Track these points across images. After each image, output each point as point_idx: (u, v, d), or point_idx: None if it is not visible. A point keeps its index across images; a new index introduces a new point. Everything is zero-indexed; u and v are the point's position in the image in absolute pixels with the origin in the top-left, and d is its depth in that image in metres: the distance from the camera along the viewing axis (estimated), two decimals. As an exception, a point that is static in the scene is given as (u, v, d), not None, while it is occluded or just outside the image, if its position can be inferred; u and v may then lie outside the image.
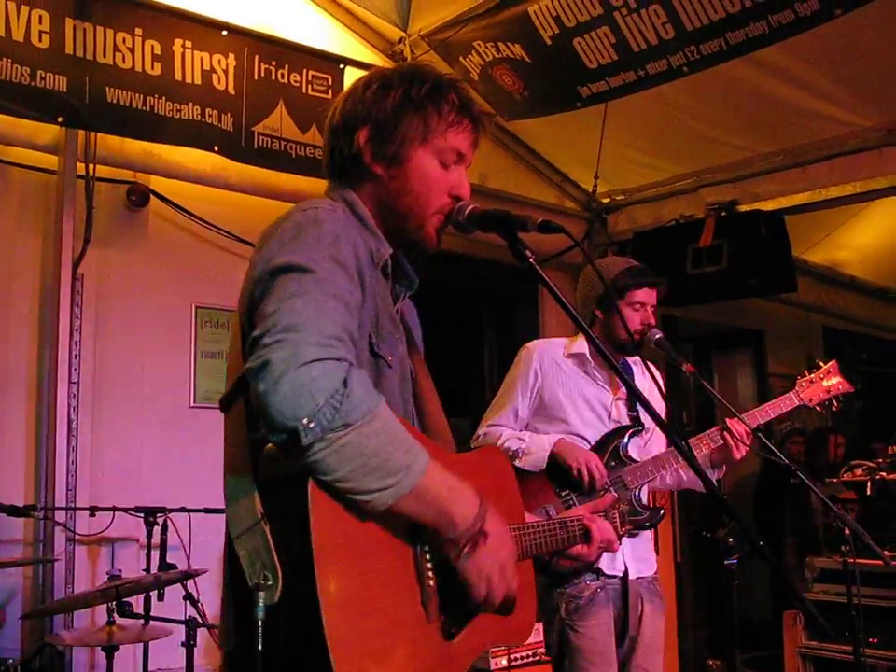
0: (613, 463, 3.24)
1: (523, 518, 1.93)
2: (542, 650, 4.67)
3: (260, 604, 1.37)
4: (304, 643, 1.35)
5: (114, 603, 3.08)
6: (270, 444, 1.41)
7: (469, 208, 1.72)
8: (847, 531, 2.99)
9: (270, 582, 1.37)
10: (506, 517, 1.76)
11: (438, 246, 1.78)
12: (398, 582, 1.48)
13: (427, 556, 1.54)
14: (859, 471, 4.51)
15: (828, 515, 5.36)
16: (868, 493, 4.45)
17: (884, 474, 4.41)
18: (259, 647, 1.37)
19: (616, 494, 2.23)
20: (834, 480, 4.72)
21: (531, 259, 1.63)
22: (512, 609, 1.68)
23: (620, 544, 2.24)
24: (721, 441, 3.22)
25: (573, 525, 2.01)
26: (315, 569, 1.33)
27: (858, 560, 3.25)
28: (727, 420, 3.20)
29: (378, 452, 1.38)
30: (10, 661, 3.13)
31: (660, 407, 3.45)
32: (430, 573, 1.53)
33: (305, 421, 1.31)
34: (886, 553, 3.41)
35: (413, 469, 1.42)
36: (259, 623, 1.37)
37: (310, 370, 1.33)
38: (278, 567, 1.37)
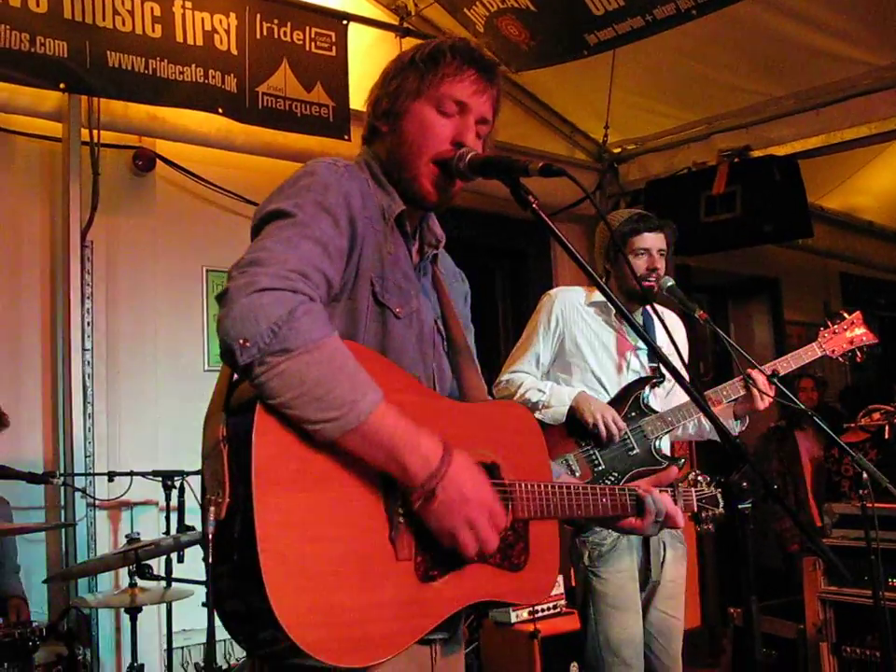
0: (634, 414, 3.24)
1: (548, 473, 1.89)
2: (563, 601, 4.72)
3: (210, 518, 1.40)
4: (243, 558, 1.37)
5: (134, 566, 3.10)
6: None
7: (470, 155, 1.70)
8: (865, 476, 2.96)
9: (220, 499, 1.40)
10: (526, 472, 1.75)
11: (439, 201, 1.77)
12: (360, 514, 1.47)
13: (399, 495, 1.51)
14: (876, 415, 4.48)
15: (828, 461, 5.36)
16: (886, 437, 4.42)
17: (902, 418, 4.38)
18: (210, 560, 1.43)
19: (679, 468, 2.14)
20: (852, 424, 4.69)
21: (534, 205, 1.60)
22: (508, 563, 1.68)
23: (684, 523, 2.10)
24: (743, 392, 3.21)
25: (623, 494, 1.93)
26: (252, 487, 1.36)
27: (876, 504, 3.23)
28: (749, 371, 3.19)
29: (320, 382, 1.39)
30: (36, 623, 3.17)
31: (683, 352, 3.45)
32: (401, 510, 1.51)
33: (242, 341, 1.37)
34: (905, 496, 3.40)
35: (358, 406, 1.41)
36: (210, 536, 1.41)
37: (261, 296, 1.39)
38: (227, 484, 1.40)
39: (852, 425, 4.71)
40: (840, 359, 3.37)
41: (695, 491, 2.15)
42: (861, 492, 3.07)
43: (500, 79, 1.81)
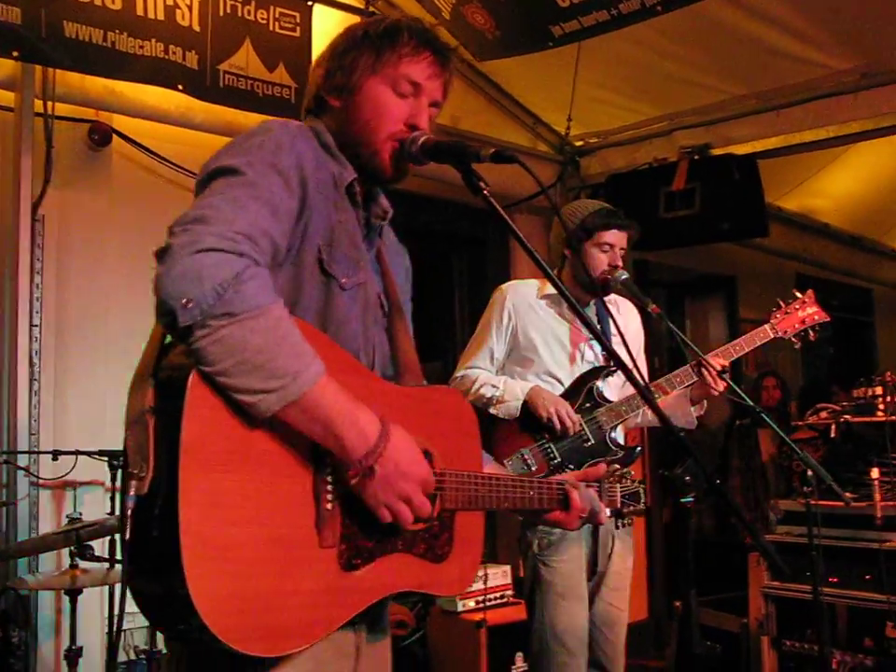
0: (588, 404, 3.26)
1: (478, 463, 1.87)
2: (511, 591, 4.74)
3: (131, 493, 1.36)
4: (162, 538, 1.32)
5: (75, 546, 3.05)
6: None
7: (423, 138, 1.70)
8: (809, 473, 3.00)
9: (143, 473, 1.35)
10: (456, 461, 1.74)
11: (395, 176, 1.76)
12: (288, 498, 1.43)
13: (329, 478, 1.49)
14: (824, 414, 4.55)
15: (783, 458, 5.45)
16: (832, 435, 4.49)
17: (848, 417, 4.44)
18: (127, 536, 1.37)
19: (608, 465, 2.16)
20: (800, 423, 4.75)
21: (485, 191, 1.59)
22: (432, 553, 1.67)
23: (610, 517, 2.16)
24: (692, 380, 3.23)
25: (550, 488, 1.93)
26: (179, 464, 1.31)
27: (820, 502, 3.28)
28: (701, 358, 3.21)
29: (263, 350, 1.35)
30: (-27, 604, 3.12)
31: (637, 346, 3.47)
32: (329, 496, 1.49)
33: (184, 301, 1.31)
34: (848, 494, 3.45)
35: (301, 378, 1.38)
36: (129, 512, 1.36)
37: (205, 257, 1.34)
38: (151, 458, 1.35)
39: (801, 423, 4.77)
40: (793, 339, 3.38)
41: (620, 487, 2.16)
42: (805, 489, 3.11)
43: (454, 64, 1.80)
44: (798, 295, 3.40)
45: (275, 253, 1.50)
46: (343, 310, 1.66)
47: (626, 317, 3.52)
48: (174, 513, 1.30)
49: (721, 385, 3.19)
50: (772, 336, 3.35)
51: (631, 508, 2.19)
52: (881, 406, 4.32)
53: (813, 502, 3.14)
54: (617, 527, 3.12)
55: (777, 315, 3.37)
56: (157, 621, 1.49)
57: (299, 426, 1.41)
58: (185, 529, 1.30)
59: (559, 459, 3.19)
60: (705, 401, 3.36)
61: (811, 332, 3.38)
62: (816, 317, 3.37)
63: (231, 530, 1.36)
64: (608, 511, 2.10)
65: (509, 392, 3.25)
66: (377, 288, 1.81)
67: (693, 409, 3.35)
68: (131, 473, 1.37)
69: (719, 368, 3.16)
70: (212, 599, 1.32)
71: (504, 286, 3.49)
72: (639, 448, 3.38)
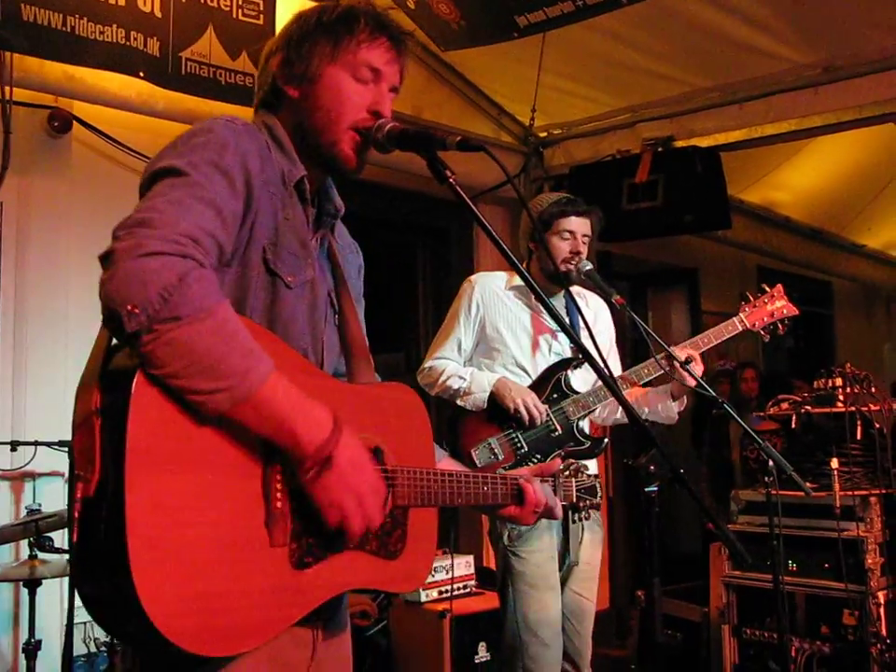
0: (555, 395, 3.27)
1: (431, 460, 1.87)
2: (473, 581, 4.75)
3: (77, 496, 1.34)
4: (109, 541, 1.30)
5: (34, 537, 3.01)
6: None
7: (389, 125, 1.68)
8: (770, 463, 3.03)
9: (90, 476, 1.33)
10: (409, 458, 1.73)
11: (357, 167, 1.74)
12: (237, 498, 1.42)
13: (279, 477, 1.47)
14: (785, 405, 4.60)
15: (746, 448, 5.52)
16: (793, 426, 4.55)
17: (809, 408, 4.50)
18: (74, 538, 1.36)
19: (563, 460, 2.16)
20: (761, 413, 4.81)
21: (451, 179, 1.59)
22: (385, 550, 1.66)
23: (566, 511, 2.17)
24: (658, 372, 3.25)
25: (504, 483, 1.93)
26: (125, 466, 1.29)
27: (781, 492, 3.32)
28: (673, 348, 3.23)
29: (211, 351, 1.34)
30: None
31: (608, 339, 3.49)
32: (279, 494, 1.47)
33: (129, 307, 1.29)
34: (808, 484, 3.49)
35: (250, 376, 1.37)
36: (76, 515, 1.34)
37: (149, 260, 1.32)
38: (98, 460, 1.33)
39: (762, 414, 4.82)
40: (762, 332, 3.41)
41: (575, 481, 2.17)
42: (766, 479, 3.15)
43: (409, 48, 1.78)
44: (767, 289, 3.44)
45: (220, 254, 1.48)
46: (290, 308, 1.65)
47: (596, 311, 3.54)
48: (120, 515, 1.28)
49: (691, 379, 3.20)
50: (740, 329, 3.38)
51: (588, 502, 2.20)
52: (840, 397, 4.38)
53: (774, 492, 3.17)
54: (573, 521, 3.13)
55: (746, 309, 3.40)
56: (106, 625, 1.46)
57: (251, 424, 1.40)
58: (131, 531, 1.28)
59: (526, 449, 3.20)
60: (685, 397, 3.39)
61: (780, 326, 3.42)
62: (784, 311, 3.42)
63: (179, 531, 1.34)
64: (561, 505, 2.11)
65: (476, 384, 3.26)
66: (327, 286, 1.80)
67: (674, 404, 3.38)
68: (77, 476, 1.35)
69: (683, 359, 3.18)
70: (160, 601, 1.29)
71: (472, 277, 3.50)
72: (606, 439, 3.40)
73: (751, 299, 3.43)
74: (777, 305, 3.41)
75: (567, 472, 2.16)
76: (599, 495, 2.23)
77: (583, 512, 2.22)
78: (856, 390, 4.32)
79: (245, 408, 1.38)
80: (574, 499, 2.18)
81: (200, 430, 1.38)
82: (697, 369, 3.20)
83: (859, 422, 4.27)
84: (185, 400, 1.35)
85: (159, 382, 1.33)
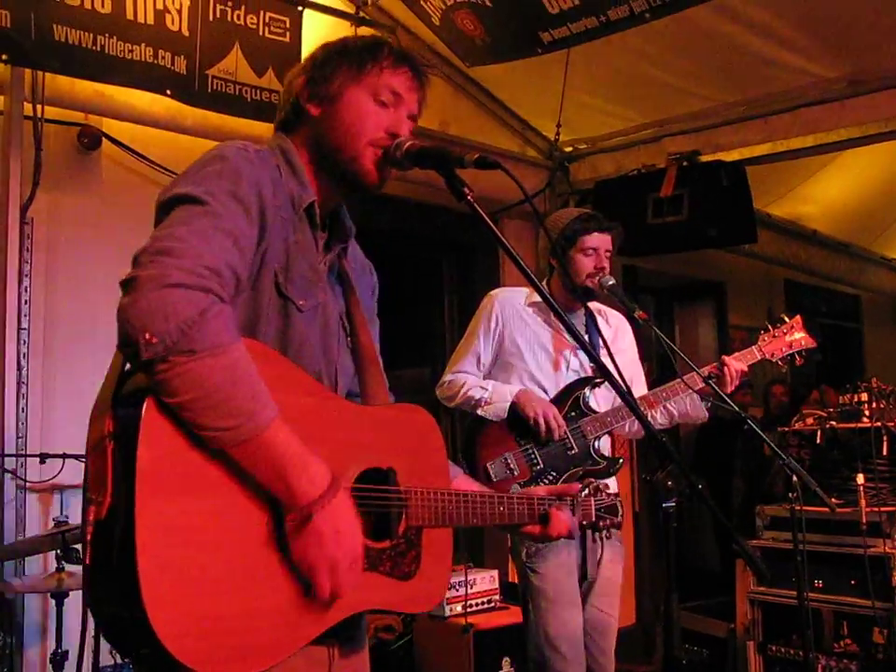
0: (573, 413, 3.27)
1: (446, 480, 1.87)
2: (498, 596, 4.74)
3: (90, 518, 1.36)
4: (120, 563, 1.31)
5: (61, 549, 3.05)
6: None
7: (407, 144, 1.71)
8: (794, 479, 3.02)
9: (101, 499, 1.35)
10: (423, 478, 1.74)
11: (379, 183, 1.76)
12: (248, 520, 1.43)
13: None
14: (810, 420, 4.57)
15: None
16: (818, 441, 4.51)
17: (834, 423, 4.46)
18: (87, 561, 1.38)
19: (580, 484, 2.16)
20: (786, 428, 4.77)
21: (469, 196, 1.60)
22: (399, 571, 1.66)
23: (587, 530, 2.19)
24: (681, 394, 3.26)
25: (522, 502, 1.93)
26: (135, 489, 1.31)
27: (805, 507, 3.30)
28: (725, 358, 3.32)
29: (221, 388, 1.36)
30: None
31: (631, 357, 3.49)
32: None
33: (148, 335, 1.32)
34: (833, 500, 3.47)
35: (256, 419, 1.39)
36: (88, 537, 1.36)
37: (172, 292, 1.35)
38: (110, 483, 1.35)
39: (787, 429, 4.79)
40: (779, 363, 3.44)
41: (595, 500, 2.17)
42: (790, 495, 3.13)
43: (428, 85, 1.82)
44: (786, 319, 3.46)
45: (237, 285, 1.50)
46: (302, 332, 1.66)
47: (616, 328, 3.54)
48: (130, 538, 1.30)
49: (732, 387, 3.28)
50: (759, 358, 3.43)
51: (608, 521, 2.20)
52: (867, 412, 4.34)
53: (798, 508, 3.16)
54: (594, 541, 3.15)
55: (766, 338, 3.44)
56: (118, 645, 1.48)
57: (248, 465, 1.42)
58: (141, 553, 1.30)
59: (541, 465, 3.20)
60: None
61: (797, 357, 3.46)
62: (803, 342, 3.46)
63: (189, 553, 1.35)
64: (579, 525, 2.11)
65: (497, 394, 3.27)
66: (339, 308, 1.81)
67: (702, 403, 3.38)
68: (90, 499, 1.38)
69: (705, 374, 3.18)
70: (171, 622, 1.31)
71: (493, 292, 3.52)
72: (621, 459, 3.40)
73: (770, 328, 3.45)
74: (796, 337, 3.45)
75: (586, 491, 2.15)
76: (621, 513, 2.23)
77: (604, 532, 2.21)
78: (882, 405, 4.29)
79: (246, 449, 1.40)
80: (593, 518, 2.18)
81: (210, 456, 1.40)
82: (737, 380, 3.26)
83: (885, 437, 4.23)
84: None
85: (168, 408, 1.36)
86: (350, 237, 1.88)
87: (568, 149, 6.10)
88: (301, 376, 1.60)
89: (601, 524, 2.17)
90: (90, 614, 3.42)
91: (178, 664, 1.31)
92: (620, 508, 2.19)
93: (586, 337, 3.24)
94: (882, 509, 4.15)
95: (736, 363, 3.29)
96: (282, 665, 1.46)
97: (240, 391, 1.38)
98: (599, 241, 3.32)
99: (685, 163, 5.34)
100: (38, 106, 3.99)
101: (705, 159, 5.35)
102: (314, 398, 1.58)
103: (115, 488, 1.35)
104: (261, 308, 1.60)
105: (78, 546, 3.17)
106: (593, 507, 2.17)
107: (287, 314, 1.64)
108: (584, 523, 2.13)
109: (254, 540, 1.44)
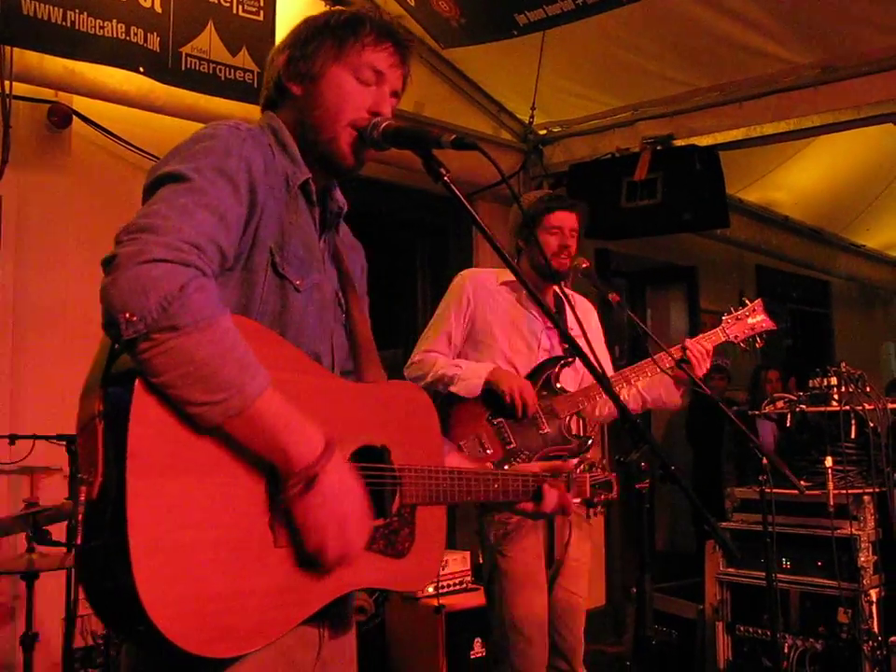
0: (545, 393, 3.29)
1: (440, 458, 1.86)
2: (469, 577, 4.77)
3: (81, 498, 1.35)
4: (112, 542, 1.31)
5: (30, 531, 3.03)
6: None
7: (384, 124, 1.69)
8: (764, 461, 3.06)
9: (92, 478, 1.34)
10: (416, 456, 1.74)
11: (355, 165, 1.75)
12: (240, 499, 1.42)
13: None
14: (780, 403, 4.62)
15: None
16: (788, 425, 4.57)
17: (804, 407, 4.52)
18: (78, 540, 1.37)
19: (575, 461, 2.17)
20: (757, 412, 4.83)
21: (445, 177, 1.60)
22: (392, 549, 1.66)
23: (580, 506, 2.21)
24: (651, 375, 3.29)
25: (516, 479, 1.94)
26: (126, 469, 1.30)
27: (775, 490, 3.34)
28: (687, 340, 3.35)
29: (207, 362, 1.34)
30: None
31: (597, 341, 3.51)
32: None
33: (128, 314, 1.30)
34: (802, 482, 3.52)
35: (245, 390, 1.37)
36: (80, 516, 1.36)
37: (151, 268, 1.32)
38: (100, 463, 1.34)
39: (757, 413, 4.84)
40: (742, 345, 3.51)
41: (590, 476, 2.18)
42: (759, 477, 3.17)
43: (412, 59, 1.80)
44: (747, 302, 3.53)
45: (222, 261, 1.48)
46: (300, 311, 1.65)
47: (584, 314, 3.55)
48: (122, 518, 1.29)
49: (704, 369, 3.32)
50: (723, 339, 3.49)
51: (602, 497, 2.22)
52: (836, 396, 4.40)
53: (768, 490, 3.20)
54: (588, 516, 3.16)
55: (729, 320, 3.52)
56: (110, 622, 1.48)
57: (243, 437, 1.40)
58: (133, 533, 1.29)
59: (514, 444, 3.21)
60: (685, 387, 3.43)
61: (758, 339, 3.53)
62: (763, 325, 3.53)
63: (181, 532, 1.34)
64: (577, 501, 2.12)
65: (470, 371, 3.26)
66: (334, 286, 1.81)
67: (677, 390, 3.41)
68: (81, 479, 1.36)
69: (677, 357, 3.21)
70: (162, 601, 1.30)
71: (464, 272, 3.52)
72: (591, 439, 3.42)
73: (732, 310, 3.53)
74: (758, 319, 3.52)
75: (581, 467, 2.16)
76: (614, 489, 2.24)
77: (598, 507, 2.23)
78: (850, 389, 4.34)
79: (238, 422, 1.38)
80: (588, 494, 2.19)
81: (201, 435, 1.39)
82: (699, 368, 3.27)
83: (853, 421, 4.29)
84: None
85: (157, 388, 1.34)
86: (343, 211, 1.86)
87: (543, 132, 6.09)
88: (294, 353, 1.59)
89: (596, 499, 2.18)
90: (66, 595, 3.43)
91: (170, 643, 1.31)
92: (614, 484, 2.20)
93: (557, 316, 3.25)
94: (849, 491, 4.22)
95: (699, 344, 3.34)
96: (273, 647, 1.46)
97: (227, 363, 1.36)
98: (563, 219, 3.33)
99: (659, 147, 5.36)
100: (6, 83, 3.92)
101: (679, 143, 5.38)
102: (307, 375, 1.57)
103: (105, 468, 1.33)
104: (255, 288, 1.58)
105: (50, 528, 3.16)
106: (587, 483, 2.18)
107: (283, 293, 1.62)
108: (578, 499, 2.14)
109: (248, 518, 1.43)
